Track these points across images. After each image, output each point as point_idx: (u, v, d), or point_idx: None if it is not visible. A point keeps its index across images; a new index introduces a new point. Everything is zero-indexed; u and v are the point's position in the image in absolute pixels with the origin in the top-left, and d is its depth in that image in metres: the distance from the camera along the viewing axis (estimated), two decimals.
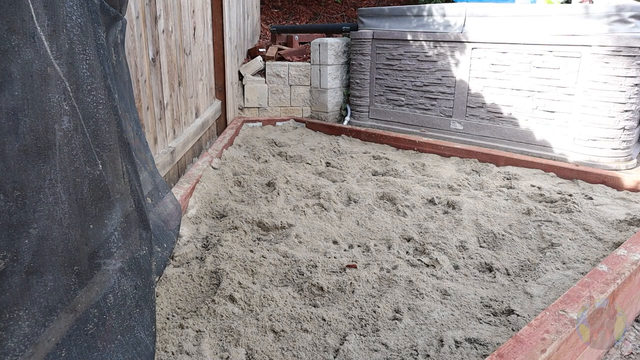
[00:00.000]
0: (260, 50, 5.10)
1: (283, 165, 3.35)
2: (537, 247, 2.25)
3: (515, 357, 1.27)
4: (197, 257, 2.09)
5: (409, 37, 4.17)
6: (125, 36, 1.77)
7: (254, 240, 2.29)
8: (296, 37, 5.26)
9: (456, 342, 1.53)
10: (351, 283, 1.85)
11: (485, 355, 1.47)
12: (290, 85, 4.80)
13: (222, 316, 1.68)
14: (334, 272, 1.99)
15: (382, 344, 1.55)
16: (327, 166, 3.45)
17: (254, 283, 1.90)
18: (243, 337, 1.55)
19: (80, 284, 1.15)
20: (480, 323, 1.66)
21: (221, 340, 1.56)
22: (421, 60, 4.16)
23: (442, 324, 1.64)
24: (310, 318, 1.66)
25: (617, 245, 2.18)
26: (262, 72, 4.86)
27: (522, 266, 2.08)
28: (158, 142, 2.59)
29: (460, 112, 4.02)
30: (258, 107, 4.84)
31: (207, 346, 1.52)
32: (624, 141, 3.32)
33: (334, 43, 4.57)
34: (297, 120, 4.78)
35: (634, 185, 2.97)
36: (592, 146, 3.37)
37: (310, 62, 4.76)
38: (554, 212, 2.58)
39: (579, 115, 3.39)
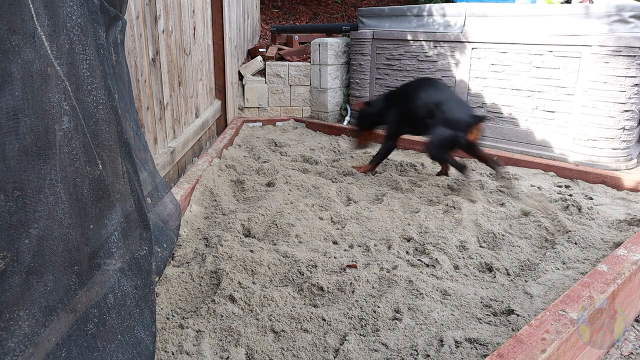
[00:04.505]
0: (260, 50, 5.10)
1: (283, 165, 3.35)
2: (537, 247, 2.25)
3: (515, 357, 1.27)
4: (197, 257, 2.09)
5: (409, 37, 4.17)
6: (125, 36, 1.77)
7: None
8: (296, 37, 5.26)
9: (456, 342, 1.53)
10: (351, 283, 1.85)
11: (485, 355, 1.47)
12: (290, 85, 4.80)
13: (222, 316, 1.68)
14: (334, 272, 1.99)
15: (382, 344, 1.55)
16: (327, 166, 3.45)
17: (254, 283, 1.90)
18: (243, 337, 1.55)
19: (81, 284, 1.15)
20: (480, 323, 1.66)
21: (221, 340, 1.56)
22: (421, 60, 4.16)
23: (442, 324, 1.64)
24: (310, 318, 1.66)
25: (617, 245, 2.18)
26: (262, 72, 4.85)
27: (522, 266, 2.08)
28: (158, 142, 2.59)
29: None
30: (258, 107, 4.84)
31: (207, 346, 1.52)
32: (624, 141, 3.32)
33: (334, 43, 4.57)
34: (297, 120, 4.78)
35: (634, 185, 2.97)
36: (592, 146, 3.38)
37: (310, 62, 4.76)
38: (554, 212, 2.58)
39: (579, 115, 3.39)
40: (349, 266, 2.02)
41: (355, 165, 3.32)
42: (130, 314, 1.31)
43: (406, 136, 4.05)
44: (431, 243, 2.22)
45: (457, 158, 2.88)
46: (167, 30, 2.68)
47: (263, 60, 4.89)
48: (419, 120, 2.93)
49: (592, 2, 3.95)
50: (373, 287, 1.87)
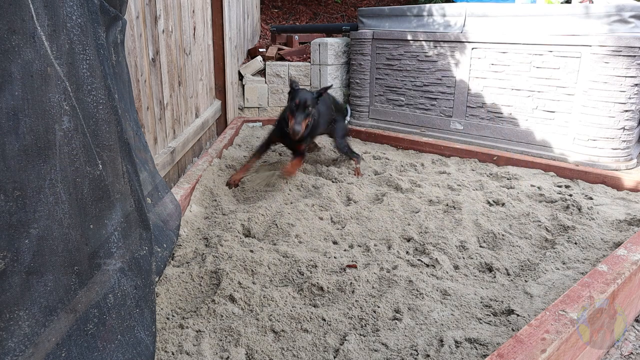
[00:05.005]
0: (260, 50, 5.10)
1: (283, 165, 3.34)
2: (537, 247, 2.25)
3: (515, 357, 1.27)
4: (197, 257, 2.09)
5: (409, 37, 4.17)
6: (125, 36, 1.77)
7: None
8: (296, 37, 5.26)
9: (456, 342, 1.53)
10: (351, 283, 1.85)
11: (485, 355, 1.47)
12: None
13: (222, 316, 1.68)
14: (334, 272, 1.99)
15: (382, 344, 1.55)
16: (328, 166, 3.45)
17: (254, 283, 1.90)
18: (243, 337, 1.55)
19: (81, 284, 1.15)
20: (480, 323, 1.66)
21: (221, 340, 1.56)
22: (421, 60, 4.16)
23: (442, 324, 1.64)
24: (310, 318, 1.66)
25: (617, 245, 2.18)
26: (262, 72, 4.85)
27: (522, 266, 2.08)
28: (158, 142, 2.59)
29: (460, 112, 4.02)
30: (258, 107, 4.84)
31: (207, 346, 1.52)
32: (624, 141, 3.32)
33: (334, 43, 4.57)
34: None
35: (634, 185, 2.97)
36: (592, 146, 3.38)
37: (310, 62, 4.76)
38: (554, 212, 2.58)
39: (579, 115, 3.39)
40: (349, 266, 2.02)
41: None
42: (130, 314, 1.31)
43: (406, 136, 4.06)
44: (431, 243, 2.22)
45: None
46: (167, 30, 2.68)
47: (263, 60, 4.89)
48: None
49: (592, 2, 3.94)
50: (373, 287, 1.87)
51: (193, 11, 3.26)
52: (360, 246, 2.26)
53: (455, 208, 2.63)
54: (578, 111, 3.40)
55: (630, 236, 2.23)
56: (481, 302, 1.78)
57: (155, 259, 1.75)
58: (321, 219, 2.52)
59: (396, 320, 1.67)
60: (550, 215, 2.53)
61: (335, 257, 2.10)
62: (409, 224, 2.46)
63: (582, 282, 1.62)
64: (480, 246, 2.28)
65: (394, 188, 2.99)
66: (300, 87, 3.06)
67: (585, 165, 3.33)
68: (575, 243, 2.22)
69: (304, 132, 2.82)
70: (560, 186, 3.06)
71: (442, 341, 1.53)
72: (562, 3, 4.19)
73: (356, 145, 4.08)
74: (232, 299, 1.76)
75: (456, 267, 2.08)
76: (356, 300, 1.77)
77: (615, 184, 3.03)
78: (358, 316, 1.69)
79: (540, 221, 2.46)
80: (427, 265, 2.06)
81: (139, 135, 1.87)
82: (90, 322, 1.16)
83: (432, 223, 2.46)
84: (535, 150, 3.64)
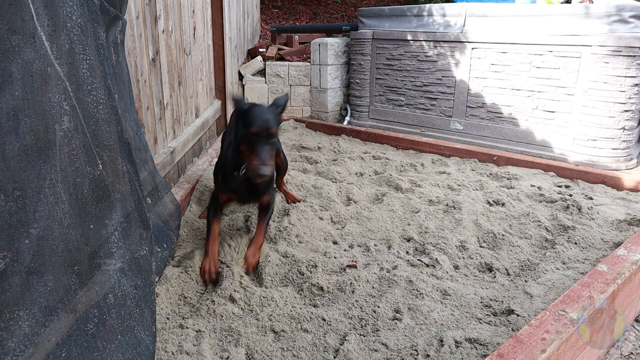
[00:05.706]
0: (260, 50, 5.10)
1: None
2: (537, 247, 2.25)
3: (515, 357, 1.27)
4: (196, 257, 2.09)
5: (409, 37, 4.17)
6: (125, 36, 1.77)
7: None
8: (296, 37, 5.26)
9: (456, 342, 1.53)
10: (351, 283, 1.85)
11: (485, 355, 1.47)
12: (290, 85, 4.80)
13: (222, 316, 1.68)
14: (334, 272, 1.99)
15: (382, 344, 1.55)
16: (328, 166, 3.45)
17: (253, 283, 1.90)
18: (243, 337, 1.55)
19: (81, 284, 1.15)
20: (480, 323, 1.66)
21: (221, 340, 1.56)
22: (421, 60, 4.16)
23: (442, 324, 1.64)
24: (310, 318, 1.66)
25: (617, 245, 2.18)
26: (262, 72, 4.85)
27: (522, 266, 2.08)
28: (158, 142, 2.59)
29: (460, 112, 4.02)
30: None
31: (207, 346, 1.52)
32: (624, 141, 3.32)
33: (334, 43, 4.57)
34: (297, 120, 4.78)
35: (634, 185, 2.97)
36: (592, 146, 3.37)
37: (310, 62, 4.76)
38: (554, 212, 2.58)
39: (579, 115, 3.39)
40: (349, 266, 2.02)
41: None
42: (130, 314, 1.31)
43: (406, 136, 4.06)
44: (431, 243, 2.22)
45: None
46: (167, 30, 2.68)
47: (263, 60, 4.89)
48: None
49: (592, 2, 3.94)
50: (373, 287, 1.87)
51: (193, 11, 3.26)
52: (360, 246, 2.26)
53: (455, 208, 2.63)
54: (578, 111, 3.40)
55: (630, 236, 2.23)
56: (481, 302, 1.78)
57: (155, 259, 1.75)
58: (321, 219, 2.52)
59: (396, 320, 1.67)
60: (550, 215, 2.53)
61: (335, 257, 2.10)
62: (409, 224, 2.46)
63: (582, 282, 1.62)
64: (480, 246, 2.28)
65: (394, 188, 2.99)
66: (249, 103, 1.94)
67: (585, 165, 3.33)
68: (575, 243, 2.22)
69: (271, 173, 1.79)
70: (560, 186, 3.06)
71: (442, 341, 1.53)
72: (562, 3, 4.19)
73: (356, 145, 4.08)
74: (232, 299, 1.76)
75: (456, 267, 2.08)
76: (356, 300, 1.77)
77: (615, 184, 3.03)
78: (358, 316, 1.69)
79: (540, 221, 2.46)
80: (427, 265, 2.06)
81: (139, 135, 1.87)
82: (90, 322, 1.16)
83: (432, 223, 2.46)
84: (535, 150, 3.64)
